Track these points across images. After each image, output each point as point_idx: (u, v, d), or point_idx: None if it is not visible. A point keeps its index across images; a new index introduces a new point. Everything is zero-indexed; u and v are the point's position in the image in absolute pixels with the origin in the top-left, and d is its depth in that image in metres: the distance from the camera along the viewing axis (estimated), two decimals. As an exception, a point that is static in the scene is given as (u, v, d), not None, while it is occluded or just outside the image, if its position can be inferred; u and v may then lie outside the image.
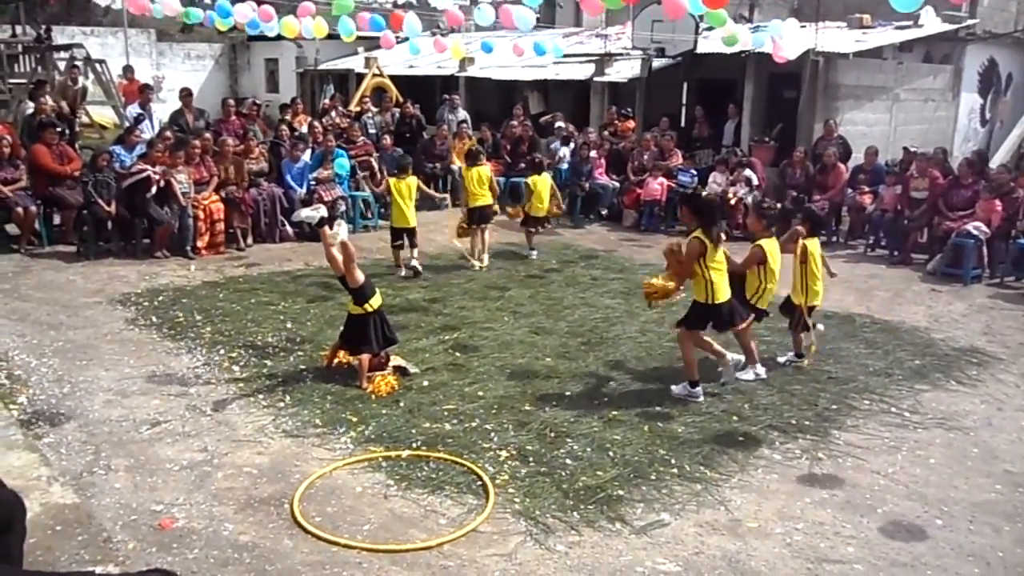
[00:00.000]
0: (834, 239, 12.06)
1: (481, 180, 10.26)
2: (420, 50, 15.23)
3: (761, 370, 6.59)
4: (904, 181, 11.23)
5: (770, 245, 6.57)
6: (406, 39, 15.49)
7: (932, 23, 15.69)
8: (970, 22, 16.32)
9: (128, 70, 17.78)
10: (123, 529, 4.34)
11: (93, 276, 9.31)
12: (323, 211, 7.74)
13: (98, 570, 3.90)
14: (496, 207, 10.70)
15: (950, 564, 4.25)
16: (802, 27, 13.96)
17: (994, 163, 13.44)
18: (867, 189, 11.86)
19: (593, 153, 13.72)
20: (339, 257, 6.42)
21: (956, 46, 16.31)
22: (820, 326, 7.20)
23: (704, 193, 8.49)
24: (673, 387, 6.27)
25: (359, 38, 16.78)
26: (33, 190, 10.32)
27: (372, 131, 14.43)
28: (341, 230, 6.48)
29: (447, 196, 13.86)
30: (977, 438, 5.72)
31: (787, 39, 12.50)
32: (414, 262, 9.58)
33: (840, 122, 13.53)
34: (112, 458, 5.10)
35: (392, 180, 9.70)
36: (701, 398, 6.13)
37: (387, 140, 13.79)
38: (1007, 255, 10.21)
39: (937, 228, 10.66)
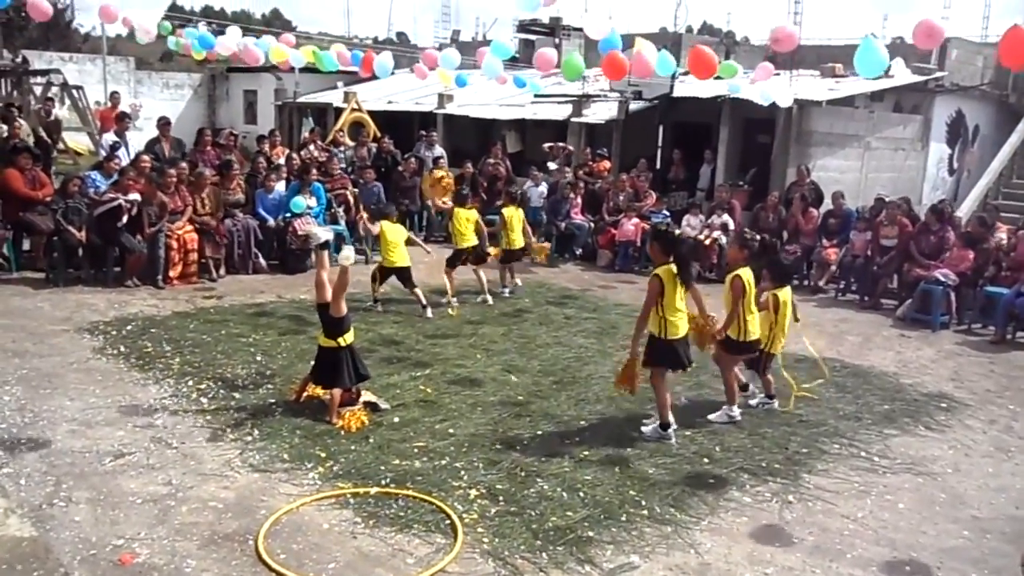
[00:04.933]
0: (805, 283, 12.21)
1: (469, 220, 10.17)
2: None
3: (736, 412, 6.60)
4: (874, 228, 11.42)
5: (748, 275, 6.50)
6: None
7: (902, 74, 16.08)
8: (939, 74, 16.76)
9: (114, 96, 17.68)
10: (81, 564, 4.24)
11: (61, 303, 9.18)
12: (331, 234, 7.75)
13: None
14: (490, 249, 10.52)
15: (918, 611, 4.25)
16: (776, 75, 14.23)
17: (962, 211, 13.72)
18: (832, 242, 12.02)
19: (572, 194, 13.84)
20: (327, 282, 6.38)
21: (925, 97, 16.71)
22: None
23: (676, 232, 8.49)
24: (644, 428, 6.27)
25: (339, 72, 16.87)
26: (3, 215, 10.20)
27: (343, 166, 14.43)
28: (350, 253, 6.39)
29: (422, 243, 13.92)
30: (945, 484, 5.76)
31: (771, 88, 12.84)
32: (429, 312, 9.38)
33: (813, 168, 13.74)
34: (73, 490, 4.99)
35: (383, 223, 9.57)
36: (673, 439, 6.12)
37: (369, 174, 13.78)
38: (975, 302, 10.38)
39: (907, 274, 10.82)
